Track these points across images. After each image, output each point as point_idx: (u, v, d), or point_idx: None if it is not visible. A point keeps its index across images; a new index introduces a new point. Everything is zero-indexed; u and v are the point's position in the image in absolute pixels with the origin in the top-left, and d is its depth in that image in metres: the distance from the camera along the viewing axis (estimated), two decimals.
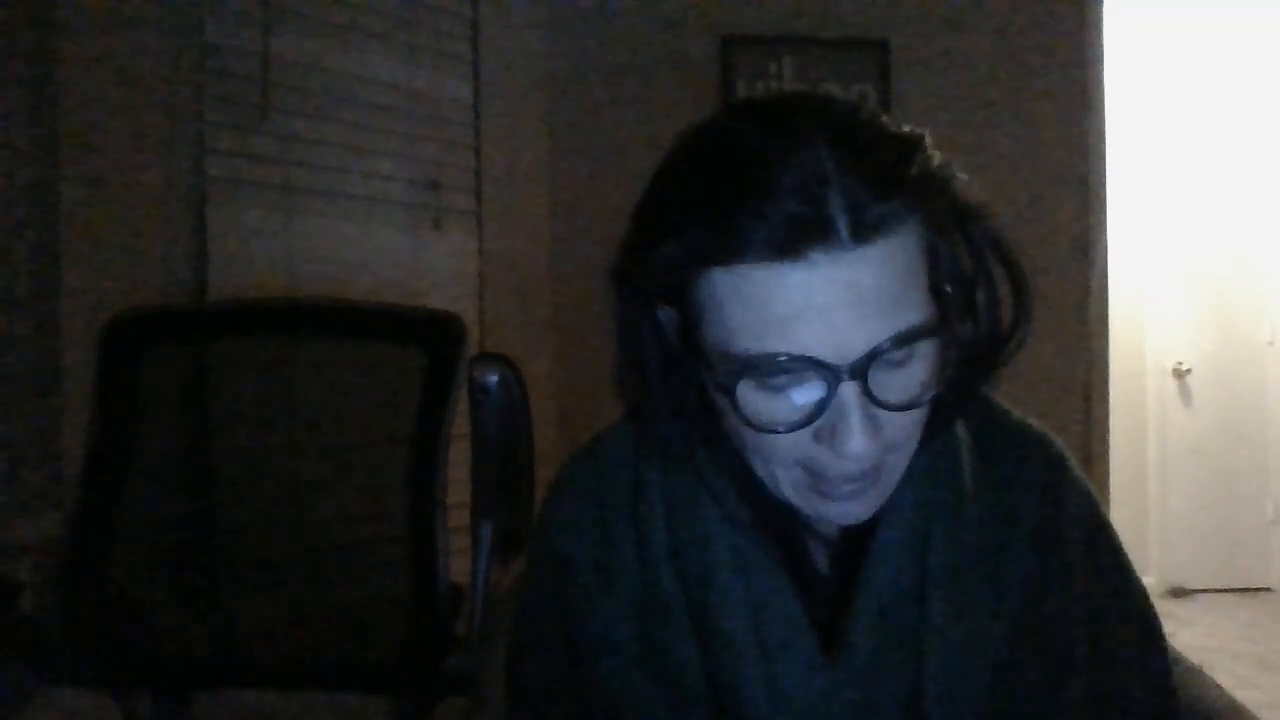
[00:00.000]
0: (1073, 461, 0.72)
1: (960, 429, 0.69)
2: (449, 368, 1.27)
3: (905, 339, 0.54)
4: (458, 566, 1.25)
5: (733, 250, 0.53)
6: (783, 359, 0.54)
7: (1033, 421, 0.73)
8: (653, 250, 0.57)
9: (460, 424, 1.27)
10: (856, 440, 0.55)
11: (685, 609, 0.66)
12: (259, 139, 1.83)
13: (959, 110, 2.54)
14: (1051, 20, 2.62)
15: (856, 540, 0.66)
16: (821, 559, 0.69)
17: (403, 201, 2.07)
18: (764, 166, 0.53)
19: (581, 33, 2.44)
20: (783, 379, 0.55)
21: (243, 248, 1.79)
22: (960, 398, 0.64)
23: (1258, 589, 4.23)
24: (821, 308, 0.53)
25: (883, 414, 0.56)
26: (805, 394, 0.56)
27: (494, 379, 1.26)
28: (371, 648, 1.28)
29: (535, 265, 2.34)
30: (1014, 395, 0.72)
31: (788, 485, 0.61)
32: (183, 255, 1.71)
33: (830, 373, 0.54)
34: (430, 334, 1.30)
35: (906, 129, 0.57)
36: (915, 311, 0.55)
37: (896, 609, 0.65)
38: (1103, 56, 2.67)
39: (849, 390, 0.54)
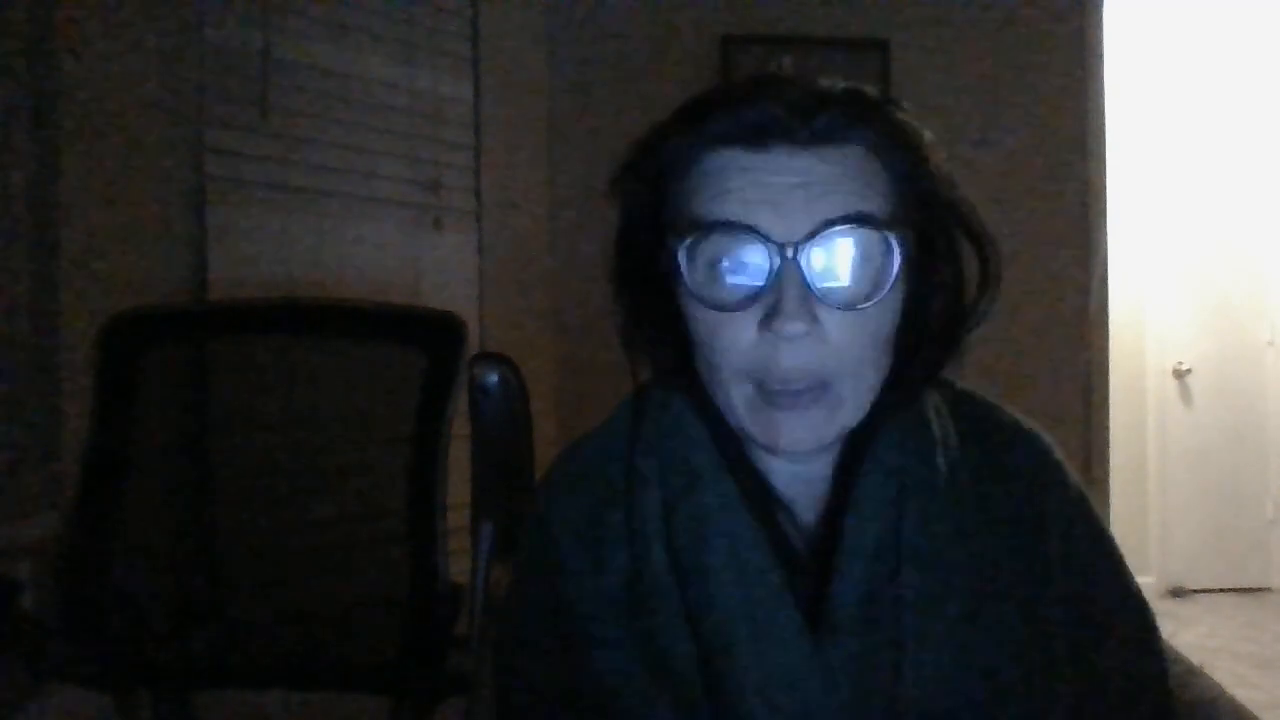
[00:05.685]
0: (1062, 457, 0.73)
1: (937, 416, 0.70)
2: (449, 368, 1.27)
3: (846, 220, 0.60)
4: (458, 566, 1.25)
5: (707, 137, 0.63)
6: (731, 224, 0.61)
7: (1028, 420, 0.74)
8: (643, 147, 0.67)
9: (460, 424, 1.27)
10: (792, 320, 0.59)
11: (677, 592, 0.66)
12: (259, 139, 1.83)
13: (959, 110, 2.55)
14: (1051, 20, 2.62)
15: (832, 524, 0.68)
16: (800, 545, 0.70)
17: (403, 201, 2.07)
18: (740, 86, 0.64)
19: (581, 33, 2.44)
20: (731, 252, 0.61)
21: (243, 248, 1.79)
22: (927, 367, 0.68)
23: (1258, 589, 4.23)
24: (773, 187, 0.61)
25: (824, 311, 0.61)
26: (750, 275, 0.61)
27: (494, 379, 1.25)
28: (371, 648, 1.28)
29: (535, 265, 2.34)
30: (1015, 395, 0.73)
31: (741, 403, 0.64)
32: (183, 255, 1.71)
33: (774, 246, 0.60)
34: (430, 334, 1.30)
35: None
36: (863, 205, 0.61)
37: (877, 590, 0.65)
38: (1103, 56, 2.67)
39: (789, 267, 0.60)
